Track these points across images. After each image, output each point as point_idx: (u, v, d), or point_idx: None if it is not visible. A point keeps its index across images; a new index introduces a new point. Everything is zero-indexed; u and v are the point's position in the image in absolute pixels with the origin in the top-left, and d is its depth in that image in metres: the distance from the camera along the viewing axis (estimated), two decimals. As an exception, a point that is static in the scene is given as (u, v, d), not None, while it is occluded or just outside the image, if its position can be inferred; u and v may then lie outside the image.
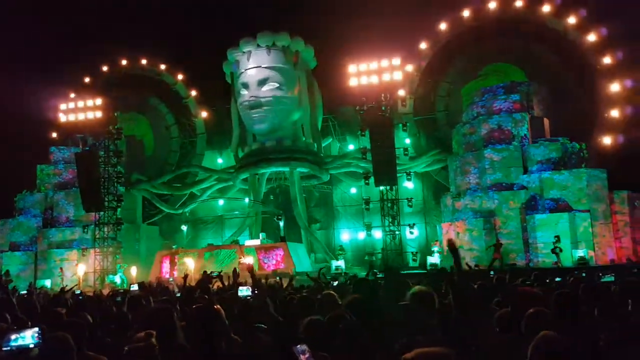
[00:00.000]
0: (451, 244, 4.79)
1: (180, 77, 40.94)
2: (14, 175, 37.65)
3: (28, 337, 3.74)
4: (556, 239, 26.53)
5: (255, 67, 35.47)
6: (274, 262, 30.66)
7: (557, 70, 32.53)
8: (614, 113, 30.44)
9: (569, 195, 28.27)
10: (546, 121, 31.16)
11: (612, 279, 10.96)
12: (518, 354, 3.60)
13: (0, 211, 36.47)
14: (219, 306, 4.59)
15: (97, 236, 33.57)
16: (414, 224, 32.88)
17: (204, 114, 40.74)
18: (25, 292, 12.90)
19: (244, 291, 6.92)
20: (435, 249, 30.83)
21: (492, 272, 19.54)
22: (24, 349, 3.73)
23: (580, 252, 26.65)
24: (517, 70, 34.19)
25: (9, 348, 3.73)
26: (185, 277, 9.34)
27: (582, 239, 27.47)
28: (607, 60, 30.75)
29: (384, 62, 32.50)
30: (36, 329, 3.83)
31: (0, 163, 37.89)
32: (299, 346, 3.22)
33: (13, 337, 3.76)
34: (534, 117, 30.99)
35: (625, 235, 28.55)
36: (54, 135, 38.41)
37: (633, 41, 29.80)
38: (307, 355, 3.15)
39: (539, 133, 30.52)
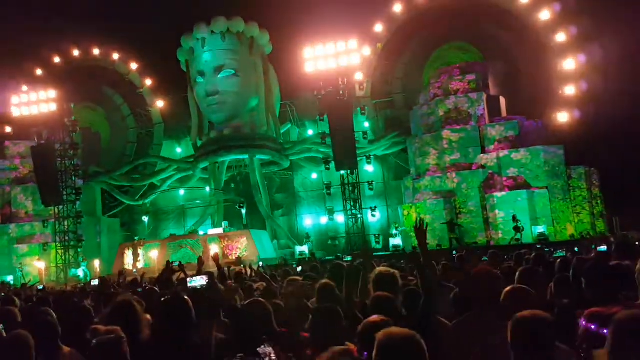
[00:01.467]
0: (419, 225, 4.73)
1: (134, 66, 39.31)
2: None
3: None
4: (514, 217, 25.99)
5: (210, 54, 34.25)
6: (237, 250, 29.71)
7: (512, 49, 31.97)
8: (569, 89, 30.00)
9: (526, 172, 28.03)
10: (502, 100, 30.63)
11: (563, 254, 11.06)
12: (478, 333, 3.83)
13: None
14: (186, 297, 4.33)
15: (58, 230, 32.58)
16: (375, 207, 32.07)
17: (160, 104, 39.34)
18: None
19: (197, 281, 6.18)
20: (395, 231, 30.13)
21: (454, 252, 18.98)
22: None
23: (540, 229, 26.38)
24: (473, 49, 33.39)
25: None
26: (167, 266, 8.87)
27: (542, 216, 27.13)
28: (560, 37, 30.19)
29: (341, 46, 31.38)
30: None
31: None
32: (264, 346, 3.23)
33: None
34: (490, 96, 30.37)
35: (583, 211, 28.14)
36: (8, 129, 36.71)
37: (585, 16, 29.20)
38: (272, 357, 3.09)
39: (495, 112, 30.03)
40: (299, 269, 14.81)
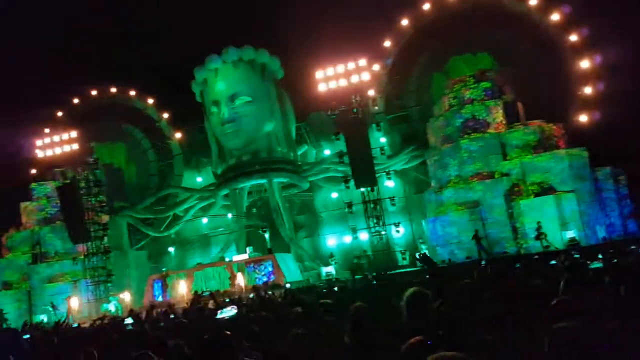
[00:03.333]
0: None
1: (150, 101, 38.76)
2: None
3: None
4: (538, 225, 24.38)
5: (223, 83, 33.40)
6: (265, 275, 28.77)
7: (525, 53, 30.29)
8: (587, 90, 28.31)
9: (551, 177, 26.19)
10: (520, 105, 28.87)
11: (600, 265, 9.72)
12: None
13: None
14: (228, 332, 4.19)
15: (87, 267, 32.15)
16: (399, 223, 30.44)
17: (178, 135, 38.63)
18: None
19: (226, 312, 6.16)
20: (423, 245, 28.40)
21: (482, 262, 17.41)
22: None
23: (570, 234, 24.74)
24: (485, 57, 31.71)
25: None
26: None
27: (570, 220, 25.26)
28: (573, 37, 28.57)
29: (351, 65, 30.39)
30: None
31: None
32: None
33: None
34: (507, 102, 28.64)
35: (612, 211, 26.26)
36: (33, 171, 36.34)
37: (598, 16, 27.56)
38: None
39: (514, 118, 28.25)
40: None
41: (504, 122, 28.01)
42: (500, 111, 28.13)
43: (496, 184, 26.71)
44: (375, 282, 16.72)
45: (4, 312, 30.51)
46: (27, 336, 9.42)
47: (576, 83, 28.77)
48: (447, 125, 28.99)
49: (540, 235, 24.17)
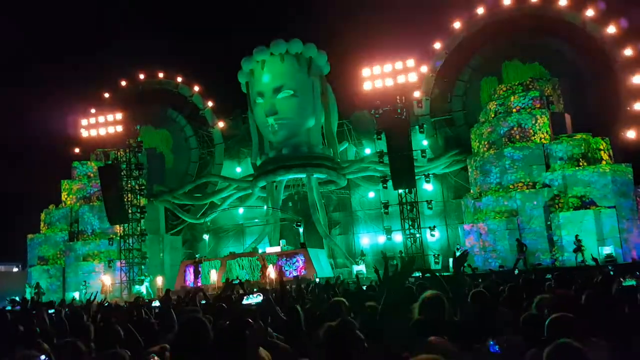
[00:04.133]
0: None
1: (196, 88, 39.33)
2: (39, 191, 37.89)
3: None
4: (576, 238, 24.18)
5: (269, 75, 33.70)
6: (295, 268, 28.97)
7: (577, 65, 30.08)
8: (638, 106, 27.78)
9: (593, 191, 25.91)
10: (567, 117, 28.69)
11: (634, 282, 8.79)
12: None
13: (27, 226, 36.18)
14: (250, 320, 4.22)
15: (123, 248, 32.62)
16: (434, 227, 30.37)
17: (221, 124, 39.02)
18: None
19: (252, 298, 6.10)
20: (457, 252, 28.32)
21: (516, 271, 17.48)
22: None
23: (607, 250, 24.41)
24: (536, 65, 31.53)
25: None
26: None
27: (609, 236, 25.06)
28: (628, 52, 28.24)
29: (398, 64, 30.37)
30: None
31: (26, 179, 37.69)
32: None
33: None
34: (554, 113, 28.49)
35: (654, 229, 25.93)
36: (77, 150, 37.25)
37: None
38: None
39: (560, 129, 28.07)
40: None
41: (549, 132, 27.84)
42: (547, 121, 27.92)
43: (537, 194, 26.54)
44: (422, 277, 16.97)
45: (40, 285, 31.55)
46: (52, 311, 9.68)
47: (627, 98, 28.37)
48: (492, 132, 28.82)
49: (579, 248, 24.00)
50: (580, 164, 26.44)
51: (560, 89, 29.61)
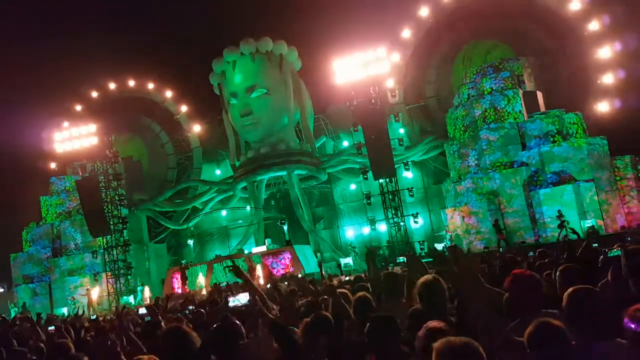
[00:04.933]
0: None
1: (168, 94, 39.12)
2: (18, 209, 37.57)
3: None
4: (559, 213, 24.36)
5: (241, 75, 33.72)
6: (282, 266, 29.09)
7: (544, 42, 30.39)
8: (607, 78, 28.34)
9: (570, 166, 26.20)
10: (539, 94, 29.04)
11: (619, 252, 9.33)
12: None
13: (10, 245, 36.13)
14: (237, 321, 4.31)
15: (107, 260, 32.53)
16: (417, 213, 30.80)
17: (197, 128, 38.91)
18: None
19: (237, 300, 6.28)
20: (446, 234, 28.58)
21: (500, 251, 17.76)
22: None
23: (588, 222, 24.62)
24: (503, 46, 31.86)
25: None
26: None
27: (590, 209, 25.39)
28: (593, 25, 28.55)
29: (369, 54, 30.40)
30: None
31: (4, 198, 37.18)
32: None
33: None
34: (526, 92, 28.79)
35: (632, 200, 26.46)
36: (53, 165, 37.02)
37: (617, 3, 27.57)
38: None
39: (533, 107, 28.38)
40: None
41: (523, 111, 28.22)
42: (520, 101, 28.32)
43: (515, 174, 26.93)
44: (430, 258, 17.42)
45: (26, 305, 31.28)
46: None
47: (596, 71, 28.77)
48: (466, 115, 29.12)
49: (563, 223, 24.29)
50: (555, 140, 26.82)
51: (530, 67, 29.93)
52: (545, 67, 29.65)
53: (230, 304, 6.12)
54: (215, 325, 4.34)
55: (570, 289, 3.62)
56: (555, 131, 27.09)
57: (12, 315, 29.28)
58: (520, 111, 28.13)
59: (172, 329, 4.13)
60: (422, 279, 4.56)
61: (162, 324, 6.02)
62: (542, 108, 28.58)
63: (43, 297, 33.33)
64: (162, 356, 3.83)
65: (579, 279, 4.55)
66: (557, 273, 5.07)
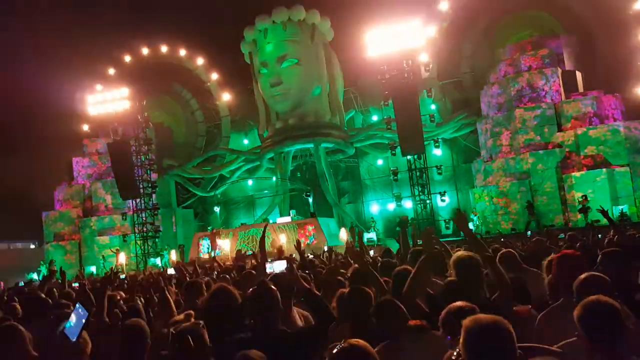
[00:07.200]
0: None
1: (200, 61, 38.30)
2: (51, 169, 37.92)
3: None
4: (583, 198, 23.37)
5: (272, 44, 32.94)
6: (306, 238, 28.29)
7: (587, 20, 28.60)
8: (648, 61, 26.55)
9: (606, 150, 24.92)
10: (579, 75, 27.59)
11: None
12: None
13: (42, 204, 36.48)
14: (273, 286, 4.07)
15: (136, 222, 32.70)
16: (444, 192, 29.65)
17: (227, 97, 38.10)
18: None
19: (272, 268, 6.02)
20: (473, 216, 27.50)
21: (529, 233, 16.95)
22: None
23: (620, 208, 23.47)
24: (544, 19, 30.13)
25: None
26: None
27: (623, 195, 24.30)
28: (638, 5, 26.70)
29: (404, 26, 28.91)
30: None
31: (38, 158, 37.45)
32: None
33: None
34: (565, 71, 27.36)
35: (669, 187, 25.07)
36: (86, 127, 36.69)
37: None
38: None
39: (572, 88, 26.96)
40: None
41: (561, 91, 26.82)
42: (558, 80, 26.91)
43: (548, 155, 25.75)
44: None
45: (54, 262, 31.34)
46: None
47: (638, 53, 27.22)
48: (502, 93, 27.90)
49: (585, 209, 23.14)
50: (592, 122, 25.48)
51: (571, 46, 28.44)
52: (586, 46, 28.05)
53: (269, 270, 5.87)
54: (253, 289, 4.20)
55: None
56: (593, 113, 25.74)
57: (43, 272, 29.48)
58: (557, 91, 26.74)
59: (221, 287, 4.10)
60: (457, 255, 4.44)
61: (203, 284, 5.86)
62: (581, 89, 27.25)
63: (73, 255, 33.86)
64: (203, 314, 3.76)
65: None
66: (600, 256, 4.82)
